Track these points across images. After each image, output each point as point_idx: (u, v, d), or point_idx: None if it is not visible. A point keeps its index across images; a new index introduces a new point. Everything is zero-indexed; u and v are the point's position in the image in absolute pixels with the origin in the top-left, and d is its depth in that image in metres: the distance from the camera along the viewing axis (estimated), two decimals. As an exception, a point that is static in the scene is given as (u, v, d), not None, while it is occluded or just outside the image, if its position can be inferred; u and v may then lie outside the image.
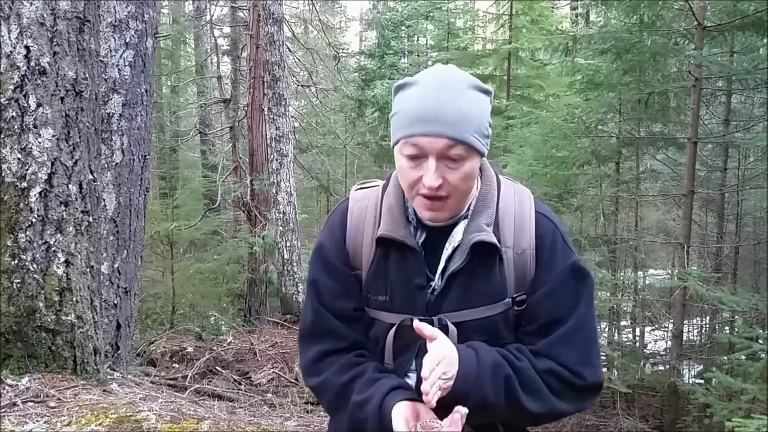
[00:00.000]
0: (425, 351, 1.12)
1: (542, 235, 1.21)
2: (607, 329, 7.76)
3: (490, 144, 1.21)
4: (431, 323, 1.17)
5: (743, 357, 4.66)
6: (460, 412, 1.06)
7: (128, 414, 2.24)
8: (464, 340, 1.17)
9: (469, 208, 1.22)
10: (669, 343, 6.72)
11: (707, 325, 8.34)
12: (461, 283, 1.19)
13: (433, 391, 1.04)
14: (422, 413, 1.11)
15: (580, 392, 1.20)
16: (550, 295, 1.20)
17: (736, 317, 6.47)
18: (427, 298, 1.20)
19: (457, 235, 1.20)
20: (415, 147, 1.12)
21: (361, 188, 1.33)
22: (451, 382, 1.10)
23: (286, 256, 9.24)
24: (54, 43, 2.60)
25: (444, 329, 1.17)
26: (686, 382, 6.00)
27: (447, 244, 1.20)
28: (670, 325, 6.49)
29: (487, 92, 1.18)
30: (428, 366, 1.07)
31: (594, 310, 1.25)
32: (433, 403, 1.05)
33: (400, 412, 1.11)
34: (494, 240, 1.18)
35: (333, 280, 1.26)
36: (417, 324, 1.12)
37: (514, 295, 1.21)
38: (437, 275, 1.21)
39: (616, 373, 5.78)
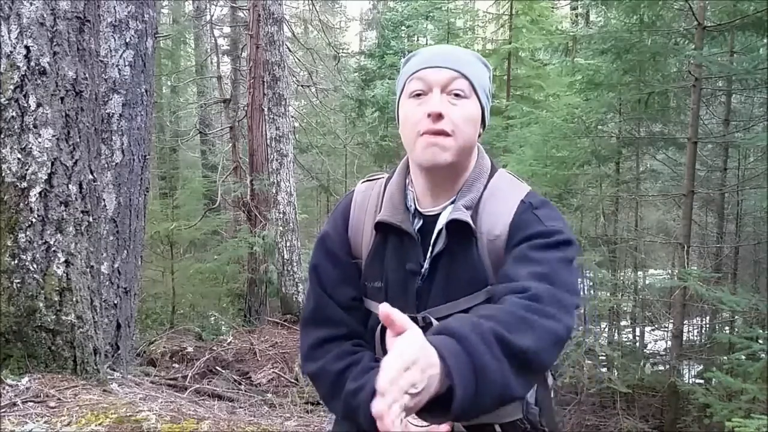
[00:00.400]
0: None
1: (515, 217, 1.18)
2: (607, 329, 7.76)
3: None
4: (415, 321, 1.09)
5: (743, 357, 4.66)
6: None
7: (128, 414, 2.24)
8: None
9: (457, 193, 1.24)
10: (669, 343, 6.72)
11: (707, 325, 8.34)
12: (444, 266, 1.20)
13: (393, 414, 0.73)
14: None
15: (559, 307, 1.00)
16: (512, 255, 1.12)
17: (736, 317, 6.47)
18: (417, 285, 1.21)
19: (442, 219, 1.22)
20: (421, 81, 1.17)
21: (367, 181, 1.36)
22: (421, 398, 0.78)
23: (286, 256, 9.24)
24: (54, 43, 2.60)
25: (430, 326, 1.13)
26: (686, 382, 6.00)
27: (436, 228, 1.22)
28: (670, 325, 6.49)
29: (486, 66, 1.25)
30: (389, 374, 0.74)
31: (565, 269, 1.09)
32: (395, 429, 0.73)
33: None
34: (467, 219, 1.17)
35: (334, 268, 1.29)
36: (384, 308, 0.83)
37: (494, 283, 1.18)
38: (426, 260, 1.22)
39: (616, 373, 5.78)
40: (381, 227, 1.24)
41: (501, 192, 1.22)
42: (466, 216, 1.18)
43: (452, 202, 1.22)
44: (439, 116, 1.14)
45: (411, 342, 0.80)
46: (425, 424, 0.97)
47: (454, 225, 1.17)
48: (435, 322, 1.15)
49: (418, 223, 1.24)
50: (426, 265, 1.21)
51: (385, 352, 0.94)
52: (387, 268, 1.24)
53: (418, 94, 1.18)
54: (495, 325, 0.89)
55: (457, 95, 1.16)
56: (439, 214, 1.23)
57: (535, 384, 1.20)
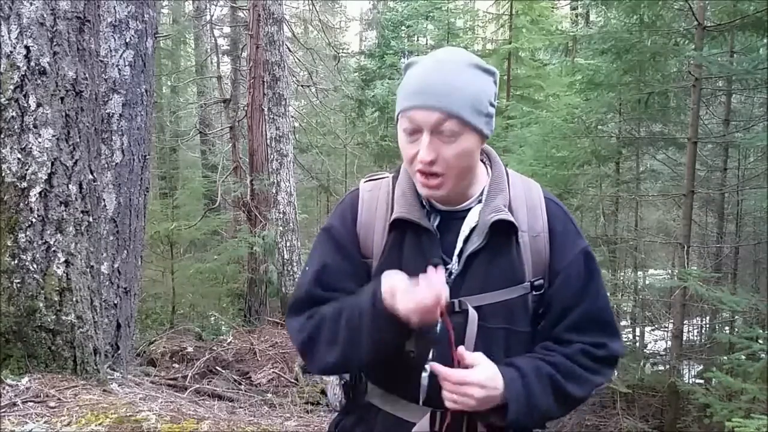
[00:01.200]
0: (442, 338, 1.15)
1: (554, 220, 1.24)
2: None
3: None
4: (452, 306, 1.16)
5: (743, 357, 4.66)
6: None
7: (128, 414, 2.24)
8: (483, 325, 1.17)
9: (482, 192, 1.24)
10: (669, 343, 6.72)
11: (707, 325, 8.34)
12: (480, 265, 1.19)
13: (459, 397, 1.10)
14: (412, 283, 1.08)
15: (608, 363, 1.25)
16: (564, 282, 1.22)
17: (736, 317, 6.48)
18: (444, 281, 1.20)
19: (473, 216, 1.21)
20: (410, 121, 1.15)
21: (371, 180, 1.34)
22: (480, 405, 1.12)
23: (286, 256, 9.24)
24: (54, 43, 2.60)
25: (464, 313, 1.17)
26: (686, 382, 5.99)
27: (464, 226, 1.21)
28: (670, 325, 6.49)
29: (489, 72, 1.20)
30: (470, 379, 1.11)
31: (603, 287, 1.29)
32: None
33: (387, 275, 1.11)
34: (512, 219, 1.19)
35: (343, 260, 1.25)
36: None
37: (532, 279, 1.21)
38: (454, 258, 1.20)
39: (616, 373, 5.78)
40: (398, 224, 1.22)
41: (522, 191, 1.26)
42: (509, 216, 1.20)
43: (479, 201, 1.23)
44: (430, 163, 1.14)
45: (487, 371, 1.13)
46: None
47: (498, 224, 1.19)
48: (471, 310, 1.16)
49: (436, 220, 1.24)
50: (456, 261, 1.20)
51: (417, 344, 1.17)
52: (406, 265, 1.20)
53: (410, 132, 1.16)
54: (555, 373, 1.17)
55: (448, 135, 1.13)
56: (461, 211, 1.23)
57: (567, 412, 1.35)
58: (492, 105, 1.20)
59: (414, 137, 1.15)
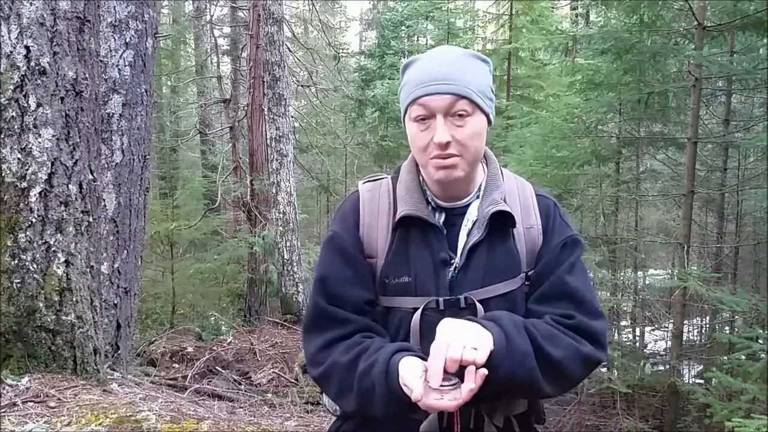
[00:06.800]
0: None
1: (545, 213, 1.30)
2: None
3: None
4: (457, 302, 1.19)
5: (743, 357, 4.67)
6: (478, 366, 1.02)
7: (128, 414, 2.24)
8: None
9: (480, 188, 1.28)
10: (669, 343, 6.72)
11: (707, 325, 8.34)
12: (481, 257, 1.22)
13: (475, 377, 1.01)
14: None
15: (583, 335, 1.19)
16: (545, 266, 1.26)
17: (736, 317, 6.48)
18: (450, 275, 1.22)
19: (473, 211, 1.26)
20: (422, 107, 1.18)
21: (370, 181, 1.36)
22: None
23: (286, 256, 9.24)
24: (54, 43, 2.60)
25: (472, 307, 1.19)
26: (686, 382, 6.00)
27: (465, 221, 1.25)
28: (670, 325, 6.49)
29: (485, 61, 1.26)
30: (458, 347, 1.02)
31: (585, 272, 1.30)
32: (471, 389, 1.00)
33: (408, 365, 1.09)
34: (510, 210, 1.24)
35: (346, 267, 1.25)
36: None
37: (526, 270, 1.26)
38: (458, 252, 1.24)
39: (616, 373, 5.78)
40: (404, 222, 1.24)
41: (516, 186, 1.32)
42: (507, 207, 1.24)
43: (477, 197, 1.27)
44: (446, 144, 1.17)
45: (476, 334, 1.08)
46: (453, 382, 1.03)
47: (497, 216, 1.23)
48: (478, 304, 1.19)
49: (441, 217, 1.27)
50: (461, 255, 1.23)
51: (423, 343, 1.16)
52: (414, 262, 1.23)
53: (423, 119, 1.19)
54: (531, 327, 1.14)
55: (460, 116, 1.18)
56: (462, 207, 1.27)
57: (565, 390, 1.26)
58: (492, 91, 1.25)
59: (426, 124, 1.19)
